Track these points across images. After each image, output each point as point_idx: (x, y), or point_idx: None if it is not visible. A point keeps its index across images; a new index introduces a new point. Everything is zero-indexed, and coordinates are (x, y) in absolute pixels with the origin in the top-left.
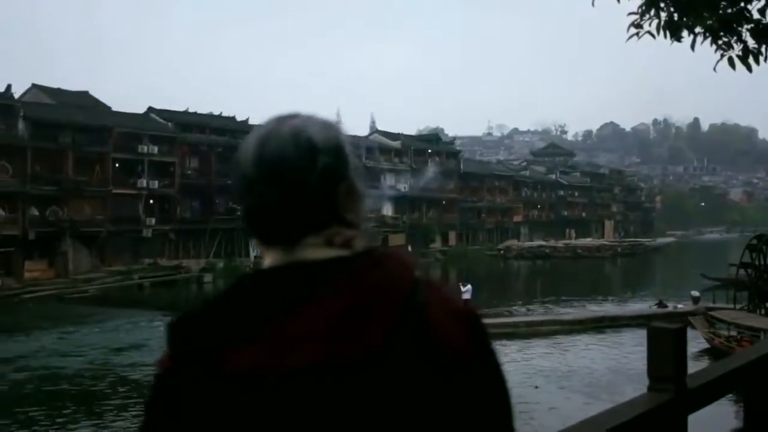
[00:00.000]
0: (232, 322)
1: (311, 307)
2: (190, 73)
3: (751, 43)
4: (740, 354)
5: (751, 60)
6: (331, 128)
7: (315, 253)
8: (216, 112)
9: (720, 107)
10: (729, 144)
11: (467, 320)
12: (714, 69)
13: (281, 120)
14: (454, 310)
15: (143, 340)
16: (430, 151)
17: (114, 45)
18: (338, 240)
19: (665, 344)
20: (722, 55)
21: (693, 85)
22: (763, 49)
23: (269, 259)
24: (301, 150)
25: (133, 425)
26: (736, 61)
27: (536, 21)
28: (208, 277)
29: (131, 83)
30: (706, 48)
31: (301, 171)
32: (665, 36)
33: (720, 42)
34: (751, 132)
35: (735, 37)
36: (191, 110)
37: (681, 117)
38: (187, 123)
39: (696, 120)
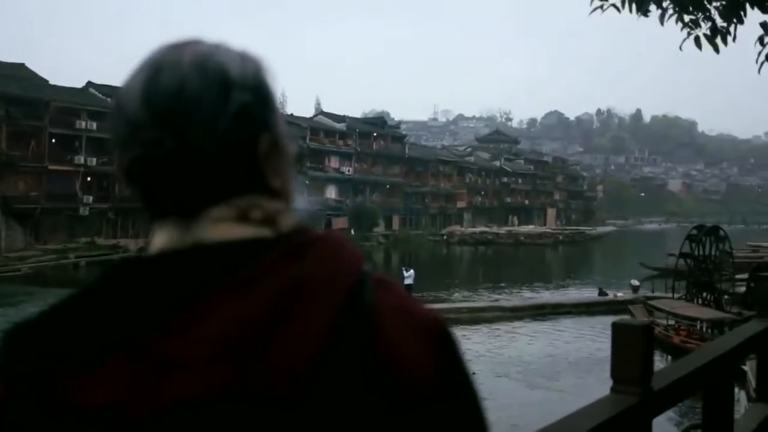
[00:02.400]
0: (90, 333)
1: (205, 313)
2: (131, 48)
3: (720, 22)
4: (699, 353)
5: (718, 40)
6: (251, 61)
7: (221, 231)
8: None
9: (662, 99)
10: (670, 136)
11: (433, 335)
12: (680, 48)
13: (179, 46)
14: (414, 320)
15: None
16: (375, 134)
17: (56, 19)
18: (256, 214)
19: (632, 343)
20: (689, 34)
21: (638, 76)
22: (732, 29)
23: (159, 239)
24: (209, 82)
25: None
26: (703, 41)
27: (484, 8)
28: None
29: (72, 59)
30: (656, 35)
31: (208, 110)
32: (630, 10)
33: (687, 20)
34: (692, 125)
35: (703, 15)
36: None
37: (624, 108)
38: None
39: (638, 111)
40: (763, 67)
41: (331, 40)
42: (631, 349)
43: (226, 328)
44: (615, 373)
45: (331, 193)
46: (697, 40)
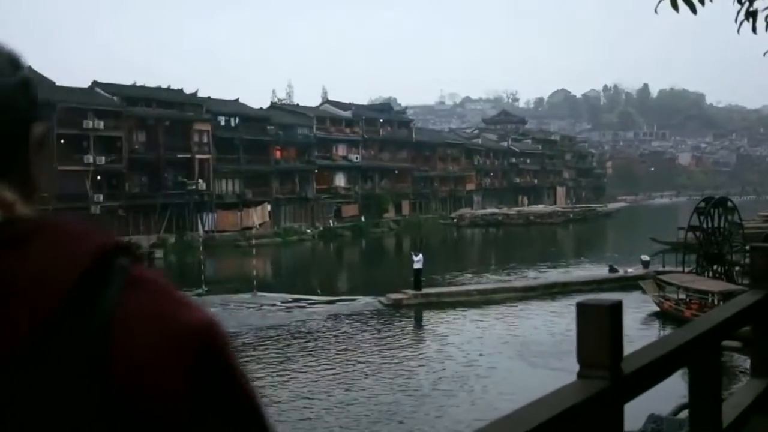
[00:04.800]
0: None
1: None
2: (139, 47)
3: None
4: (679, 331)
5: (695, 1)
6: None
7: None
8: (164, 86)
9: (669, 73)
10: (677, 109)
11: (192, 346)
12: (655, 11)
13: None
14: (169, 328)
15: None
16: (381, 120)
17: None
18: None
19: (599, 325)
20: None
21: (643, 50)
22: None
23: None
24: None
25: None
26: (680, 3)
27: None
28: (159, 253)
29: (77, 57)
30: (651, 7)
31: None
32: None
33: None
34: (699, 97)
35: None
36: (138, 83)
37: (631, 83)
38: (134, 97)
39: (645, 86)
40: (742, 26)
41: (337, 28)
42: (597, 330)
43: None
44: (581, 357)
45: (340, 181)
46: (673, 2)
